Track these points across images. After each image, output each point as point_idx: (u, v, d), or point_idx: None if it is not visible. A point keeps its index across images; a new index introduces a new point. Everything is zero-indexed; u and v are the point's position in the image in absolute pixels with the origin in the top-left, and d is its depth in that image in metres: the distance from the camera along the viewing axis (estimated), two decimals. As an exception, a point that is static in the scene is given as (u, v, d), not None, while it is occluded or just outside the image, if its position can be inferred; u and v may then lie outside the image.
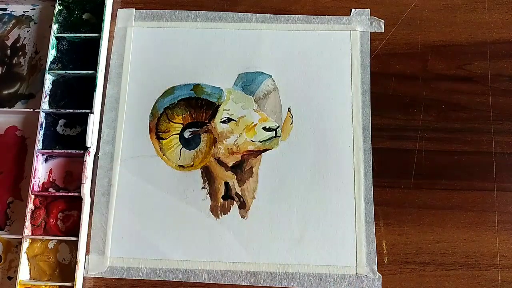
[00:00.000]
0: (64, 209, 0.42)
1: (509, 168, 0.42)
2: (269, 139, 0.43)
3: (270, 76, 0.45)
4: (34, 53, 0.46)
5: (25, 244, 0.40)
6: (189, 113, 0.44)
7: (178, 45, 0.46)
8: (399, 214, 0.41)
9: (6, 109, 0.44)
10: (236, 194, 0.42)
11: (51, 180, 0.43)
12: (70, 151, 0.42)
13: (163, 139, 0.43)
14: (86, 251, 0.41)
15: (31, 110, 0.43)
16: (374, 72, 0.44)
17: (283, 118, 0.44)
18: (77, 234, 0.40)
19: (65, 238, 0.41)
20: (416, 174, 0.42)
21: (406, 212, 0.41)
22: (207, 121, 0.43)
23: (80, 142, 0.42)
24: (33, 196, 0.41)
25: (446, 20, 0.46)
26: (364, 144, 0.43)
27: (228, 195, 0.42)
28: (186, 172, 0.43)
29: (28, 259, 0.41)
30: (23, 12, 0.47)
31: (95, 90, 0.43)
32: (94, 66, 0.43)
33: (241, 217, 0.42)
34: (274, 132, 0.43)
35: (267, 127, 0.43)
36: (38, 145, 0.42)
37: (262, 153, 0.43)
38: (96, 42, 0.44)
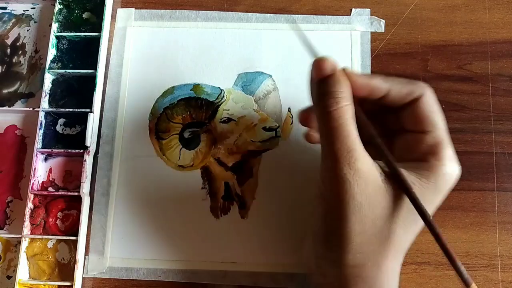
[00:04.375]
0: (63, 209, 0.42)
1: (509, 168, 0.42)
2: (269, 139, 0.43)
3: (270, 76, 0.44)
4: (34, 52, 0.46)
5: (24, 243, 0.40)
6: (189, 113, 0.43)
7: (178, 45, 0.45)
8: (400, 214, 0.41)
9: (6, 108, 0.44)
10: (236, 194, 0.42)
11: (50, 179, 0.43)
12: (69, 150, 0.42)
13: (162, 139, 0.43)
14: (85, 252, 0.41)
15: (31, 109, 0.43)
16: (375, 72, 0.44)
17: (283, 118, 0.43)
18: (76, 234, 0.40)
19: (64, 237, 0.41)
20: (417, 174, 0.42)
21: (407, 212, 0.41)
22: (207, 121, 0.43)
23: (79, 142, 0.42)
24: (32, 195, 0.41)
25: (446, 20, 0.46)
26: (365, 144, 0.43)
27: (228, 195, 0.42)
28: (186, 172, 0.42)
29: (27, 258, 0.41)
30: (23, 11, 0.47)
31: (95, 90, 0.43)
32: (94, 65, 0.43)
33: (241, 217, 0.41)
34: (274, 132, 0.43)
35: (267, 127, 0.43)
36: (38, 144, 0.42)
37: (262, 153, 0.43)
38: (96, 41, 0.44)
